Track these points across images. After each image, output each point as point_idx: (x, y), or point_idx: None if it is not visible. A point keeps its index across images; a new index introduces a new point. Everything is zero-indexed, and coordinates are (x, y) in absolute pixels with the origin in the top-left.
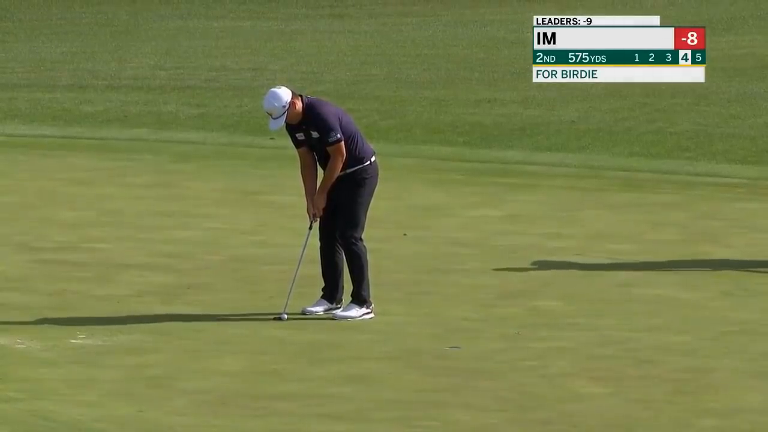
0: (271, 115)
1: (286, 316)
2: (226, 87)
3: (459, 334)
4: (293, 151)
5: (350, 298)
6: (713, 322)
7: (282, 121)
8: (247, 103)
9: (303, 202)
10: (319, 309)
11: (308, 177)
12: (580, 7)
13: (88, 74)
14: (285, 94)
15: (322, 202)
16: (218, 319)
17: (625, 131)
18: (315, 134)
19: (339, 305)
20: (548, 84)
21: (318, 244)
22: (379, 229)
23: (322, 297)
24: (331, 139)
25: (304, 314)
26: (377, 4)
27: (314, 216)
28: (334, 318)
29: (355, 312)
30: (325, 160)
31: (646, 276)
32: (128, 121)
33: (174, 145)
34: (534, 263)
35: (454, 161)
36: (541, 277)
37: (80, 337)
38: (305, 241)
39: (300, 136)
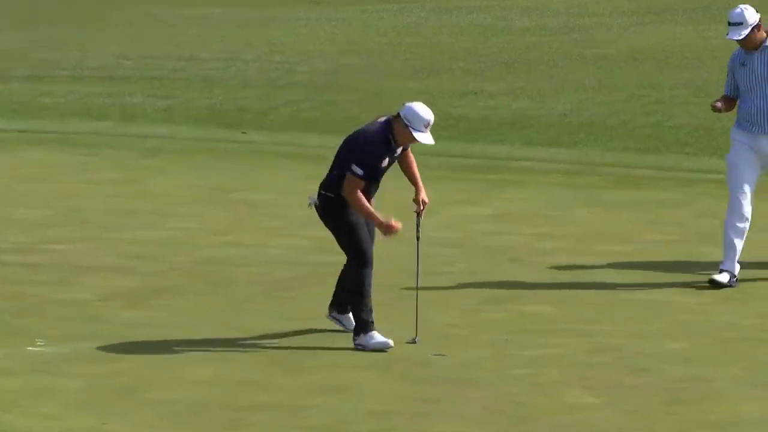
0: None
1: (419, 339)
2: (195, 78)
3: (444, 341)
4: (267, 147)
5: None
6: (713, 327)
7: None
8: (218, 94)
9: (281, 200)
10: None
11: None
12: None
13: (48, 64)
14: None
15: (426, 196)
16: (188, 325)
17: (620, 125)
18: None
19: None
20: (538, 74)
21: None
22: None
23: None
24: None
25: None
26: None
27: (419, 215)
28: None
29: (366, 341)
30: (375, 188)
31: (643, 279)
32: (91, 113)
33: (140, 140)
34: (524, 265)
35: (438, 157)
36: (531, 280)
37: (39, 345)
38: (417, 250)
39: (385, 162)
